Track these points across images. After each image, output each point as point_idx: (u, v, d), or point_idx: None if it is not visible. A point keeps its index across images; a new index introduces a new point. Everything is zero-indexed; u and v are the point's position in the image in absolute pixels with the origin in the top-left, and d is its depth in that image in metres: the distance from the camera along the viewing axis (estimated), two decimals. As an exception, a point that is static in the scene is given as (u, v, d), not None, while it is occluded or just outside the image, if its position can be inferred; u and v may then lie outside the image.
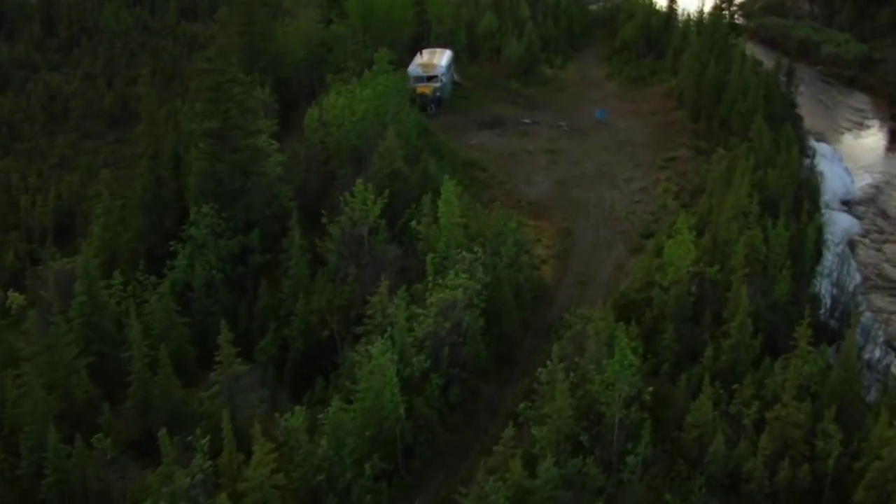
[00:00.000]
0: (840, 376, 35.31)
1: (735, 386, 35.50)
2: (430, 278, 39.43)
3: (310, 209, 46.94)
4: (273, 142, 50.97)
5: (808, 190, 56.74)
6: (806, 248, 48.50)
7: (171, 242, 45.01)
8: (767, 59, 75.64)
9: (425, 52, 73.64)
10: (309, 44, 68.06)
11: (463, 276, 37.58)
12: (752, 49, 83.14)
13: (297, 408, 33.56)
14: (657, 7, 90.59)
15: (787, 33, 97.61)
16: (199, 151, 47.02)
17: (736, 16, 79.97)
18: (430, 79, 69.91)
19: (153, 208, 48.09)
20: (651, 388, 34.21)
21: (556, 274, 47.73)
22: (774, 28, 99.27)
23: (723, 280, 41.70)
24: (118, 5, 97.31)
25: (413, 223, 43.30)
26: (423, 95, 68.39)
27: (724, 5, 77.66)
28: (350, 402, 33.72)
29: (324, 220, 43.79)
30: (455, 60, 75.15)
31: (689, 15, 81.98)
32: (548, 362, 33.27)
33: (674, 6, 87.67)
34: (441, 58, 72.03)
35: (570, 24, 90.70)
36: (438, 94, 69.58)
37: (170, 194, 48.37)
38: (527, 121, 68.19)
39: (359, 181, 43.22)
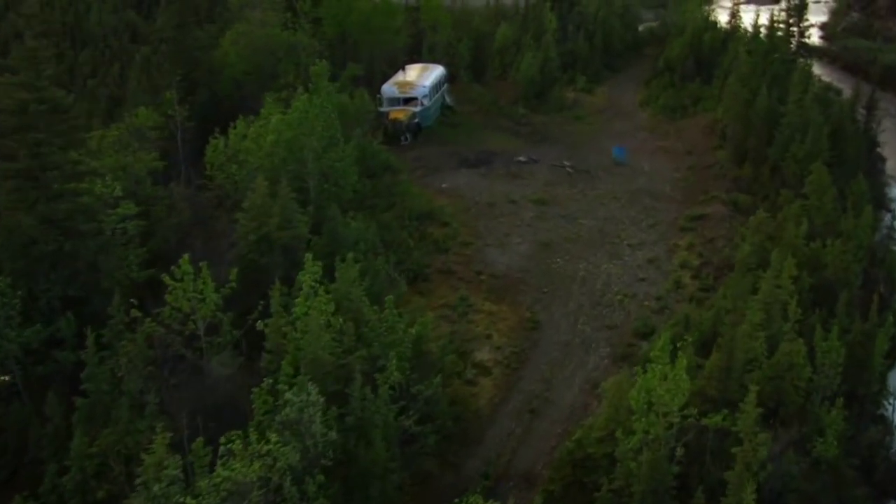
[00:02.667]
0: None
1: None
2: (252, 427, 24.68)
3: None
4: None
5: (884, 268, 40.73)
6: (873, 364, 32.76)
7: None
8: (849, 88, 59.05)
9: (410, 68, 59.14)
10: (255, 53, 53.89)
11: (274, 437, 22.65)
12: (833, 76, 66.97)
13: None
14: (715, 22, 74.85)
15: (873, 58, 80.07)
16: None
17: (807, 34, 63.41)
18: (408, 101, 55.47)
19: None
20: None
21: (499, 394, 32.85)
22: (859, 52, 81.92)
23: (733, 431, 26.21)
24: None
25: (259, 323, 28.68)
26: (395, 122, 53.92)
27: (790, 21, 61.76)
28: None
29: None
30: (448, 79, 60.41)
31: (745, 30, 65.93)
32: None
33: (736, 21, 71.89)
34: (426, 76, 57.52)
35: (608, 39, 75.03)
36: (417, 120, 55.04)
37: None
38: (522, 159, 53.19)
39: (185, 256, 28.73)
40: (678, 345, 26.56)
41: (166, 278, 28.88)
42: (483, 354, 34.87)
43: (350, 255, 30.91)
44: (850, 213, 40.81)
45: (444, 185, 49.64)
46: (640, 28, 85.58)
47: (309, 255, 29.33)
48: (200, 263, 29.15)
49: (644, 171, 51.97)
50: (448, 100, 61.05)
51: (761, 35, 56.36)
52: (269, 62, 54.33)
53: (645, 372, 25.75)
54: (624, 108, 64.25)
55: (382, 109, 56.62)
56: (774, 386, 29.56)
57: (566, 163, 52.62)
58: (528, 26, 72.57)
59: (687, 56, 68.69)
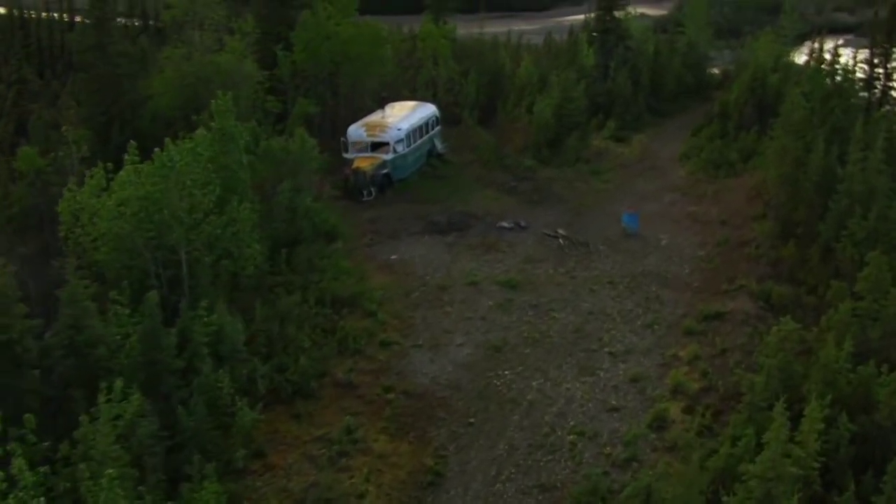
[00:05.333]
0: None
1: None
2: None
3: None
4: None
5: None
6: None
7: None
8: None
9: (393, 106, 48.37)
10: (184, 83, 43.80)
11: None
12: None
13: None
14: (791, 61, 62.31)
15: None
16: None
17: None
18: (378, 147, 44.55)
19: None
20: None
21: None
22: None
23: None
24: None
25: None
26: (357, 172, 42.98)
27: (875, 60, 49.26)
28: None
29: None
30: (439, 121, 49.38)
31: (808, 67, 53.38)
32: None
33: (818, 60, 59.09)
34: (407, 116, 46.68)
35: (658, 80, 63.10)
36: (386, 170, 44.20)
37: None
38: (505, 224, 41.81)
39: None
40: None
41: None
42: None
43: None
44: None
45: (392, 258, 38.59)
46: (715, 71, 73.59)
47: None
48: None
49: (659, 246, 40.11)
50: (438, 146, 50.07)
51: (823, 74, 43.51)
52: (203, 94, 44.11)
53: None
54: (659, 162, 52.31)
55: (346, 156, 45.95)
56: None
57: (560, 231, 41.03)
58: (559, 62, 61.15)
59: (746, 101, 56.33)
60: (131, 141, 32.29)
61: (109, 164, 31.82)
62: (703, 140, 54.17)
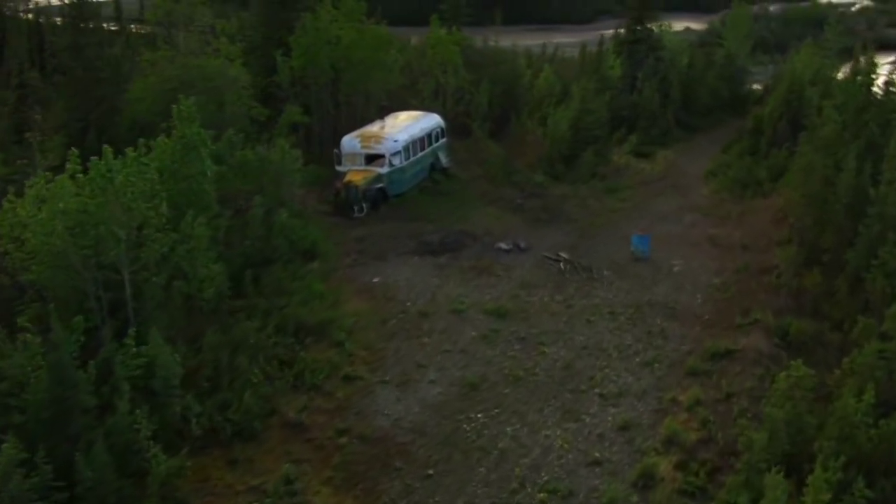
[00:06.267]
0: None
1: None
2: None
3: None
4: None
5: None
6: None
7: None
8: None
9: (393, 116, 45.08)
10: (165, 87, 40.84)
11: None
12: None
13: None
14: (831, 75, 58.01)
15: None
16: None
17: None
18: (372, 159, 41.19)
19: None
20: None
21: None
22: None
23: None
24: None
25: None
26: (349, 186, 39.64)
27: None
28: None
29: None
30: (443, 133, 45.98)
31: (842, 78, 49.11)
32: None
33: (854, 71, 54.80)
34: (406, 127, 43.34)
35: (690, 93, 59.22)
36: (380, 185, 40.72)
37: None
38: (503, 246, 38.24)
39: None
40: None
41: None
42: None
43: None
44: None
45: (374, 280, 35.17)
46: (757, 86, 69.50)
47: None
48: None
49: (671, 273, 36.29)
50: (443, 160, 46.61)
51: (858, 85, 39.35)
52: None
53: None
54: (683, 180, 48.46)
55: (339, 168, 42.68)
56: None
57: (562, 254, 37.33)
58: (582, 72, 57.50)
59: (780, 115, 52.20)
60: (105, 146, 29.38)
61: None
62: (733, 157, 50.10)
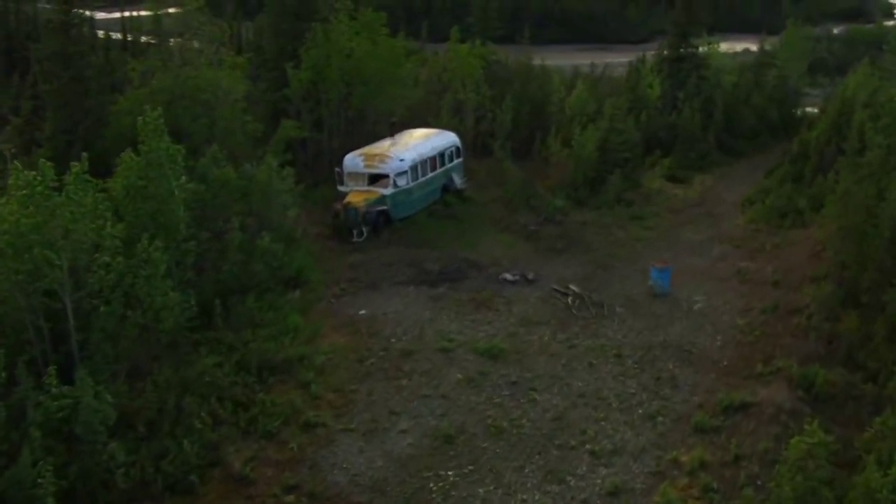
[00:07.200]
0: None
1: None
2: None
3: None
4: None
5: None
6: None
7: None
8: None
9: (405, 134, 42.34)
10: (154, 99, 38.22)
11: None
12: None
13: None
14: (889, 97, 53.56)
15: None
16: None
17: None
18: (376, 179, 38.18)
19: None
20: None
21: None
22: None
23: None
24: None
25: None
26: (348, 208, 36.67)
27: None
28: None
29: None
30: (458, 153, 42.90)
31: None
32: None
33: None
34: (416, 145, 40.35)
35: (735, 115, 55.49)
36: (383, 208, 37.76)
37: None
38: (508, 277, 34.99)
39: None
40: None
41: None
42: None
43: None
44: None
45: (361, 312, 32.02)
46: (811, 109, 65.49)
47: None
48: None
49: (691, 311, 32.66)
50: (457, 181, 43.49)
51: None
52: (179, 113, 38.53)
53: None
54: (718, 207, 44.81)
55: (341, 188, 39.79)
56: None
57: (573, 287, 33.89)
58: (615, 91, 54.07)
59: (828, 139, 48.15)
60: (83, 153, 26.91)
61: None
62: (774, 183, 46.22)
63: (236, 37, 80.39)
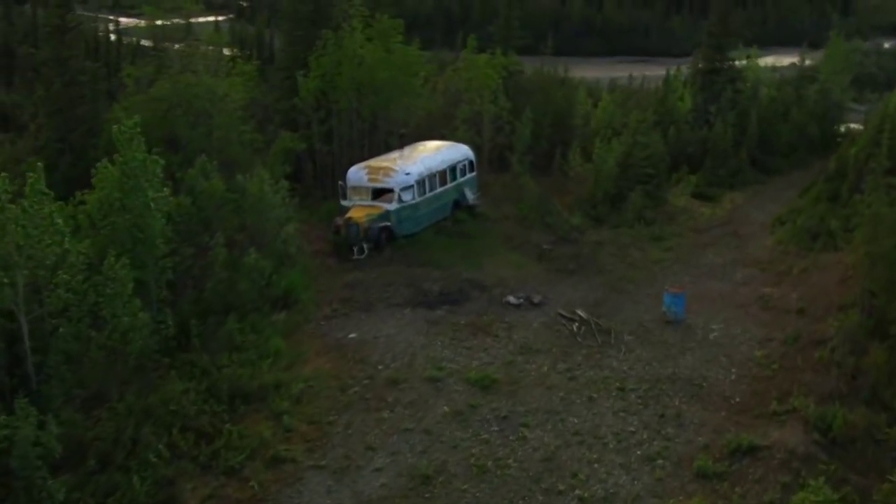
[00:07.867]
0: None
1: None
2: None
3: None
4: None
5: None
6: None
7: None
8: None
9: (416, 146, 40.55)
10: (150, 107, 36.82)
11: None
12: None
13: None
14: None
15: None
16: None
17: None
18: (380, 194, 36.32)
19: None
20: None
21: None
22: None
23: None
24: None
25: None
26: (349, 223, 34.83)
27: None
28: None
29: None
30: (471, 167, 40.92)
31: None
32: None
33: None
34: (424, 159, 38.46)
35: (770, 130, 52.94)
36: (386, 223, 35.77)
37: None
38: (512, 300, 32.85)
39: None
40: None
41: None
42: None
43: None
44: None
45: (350, 336, 30.06)
46: (855, 125, 62.74)
47: None
48: None
49: (706, 340, 30.27)
50: (469, 196, 41.46)
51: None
52: (176, 121, 36.97)
53: None
54: (745, 228, 42.39)
55: (344, 203, 37.97)
56: None
57: (580, 313, 31.63)
58: (639, 103, 51.77)
59: (867, 157, 45.40)
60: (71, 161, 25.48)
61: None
62: (807, 202, 43.62)
63: (268, 44, 79.29)
